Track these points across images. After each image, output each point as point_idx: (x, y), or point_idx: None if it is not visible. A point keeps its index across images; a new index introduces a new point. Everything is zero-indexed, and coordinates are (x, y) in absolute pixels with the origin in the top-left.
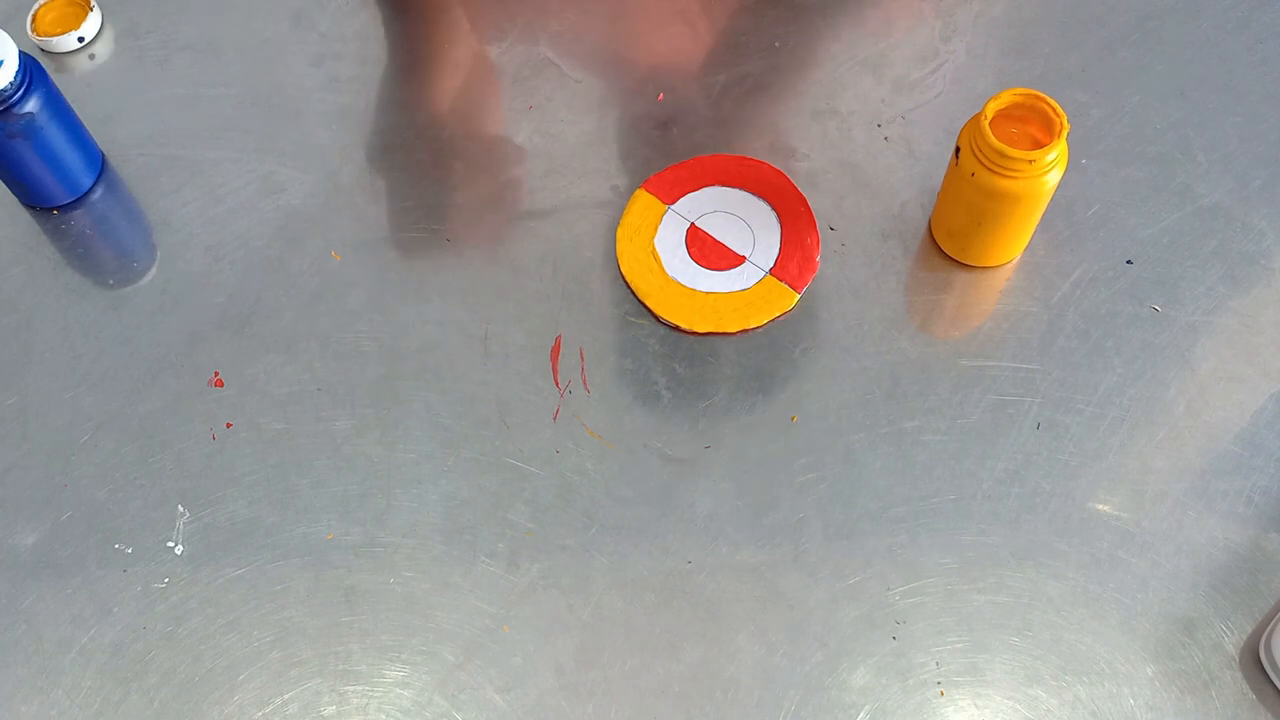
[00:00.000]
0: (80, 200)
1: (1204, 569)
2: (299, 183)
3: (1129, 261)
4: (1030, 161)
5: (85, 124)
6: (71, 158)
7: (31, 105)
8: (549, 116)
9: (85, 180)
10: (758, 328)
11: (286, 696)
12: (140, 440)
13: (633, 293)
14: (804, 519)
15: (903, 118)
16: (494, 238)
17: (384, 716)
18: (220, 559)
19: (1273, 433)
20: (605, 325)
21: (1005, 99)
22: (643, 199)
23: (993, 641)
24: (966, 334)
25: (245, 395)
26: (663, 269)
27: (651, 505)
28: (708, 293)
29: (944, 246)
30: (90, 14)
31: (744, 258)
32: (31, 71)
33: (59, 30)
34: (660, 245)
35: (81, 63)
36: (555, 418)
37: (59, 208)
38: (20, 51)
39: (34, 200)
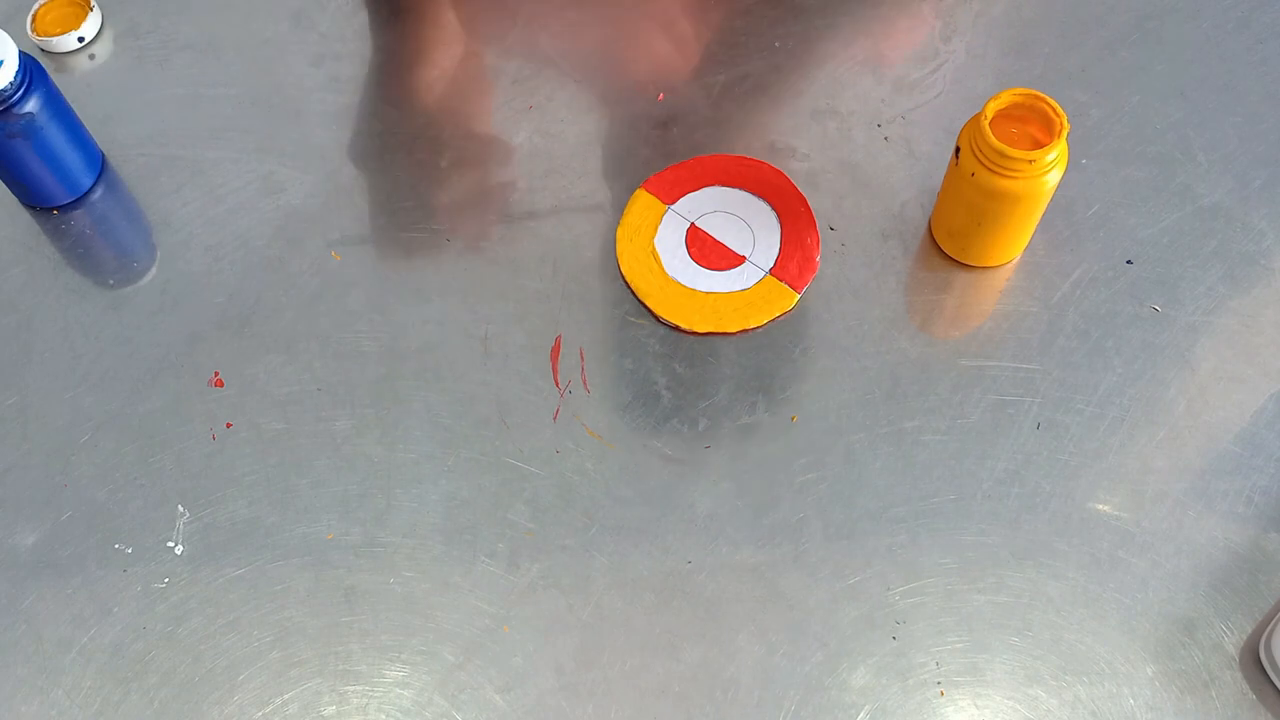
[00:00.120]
0: (80, 200)
1: (1204, 569)
2: (299, 183)
3: (1129, 261)
4: (1030, 161)
5: (85, 124)
6: (71, 158)
7: (31, 105)
8: (549, 116)
9: (85, 180)
10: (758, 328)
11: (286, 696)
12: (140, 440)
13: (633, 293)
14: (804, 519)
15: (903, 118)
16: (494, 238)
17: (384, 716)
18: (220, 559)
19: (1273, 433)
20: (605, 325)
21: (1005, 99)
22: (643, 199)
23: (993, 641)
24: (966, 334)
25: (245, 395)
26: (663, 269)
27: (651, 505)
28: (708, 293)
29: (944, 246)
30: (90, 14)
31: (744, 258)
32: (31, 71)
33: (59, 30)
34: (660, 245)
35: (81, 63)
36: (555, 418)
37: (59, 208)
38: (20, 51)
39: (34, 200)
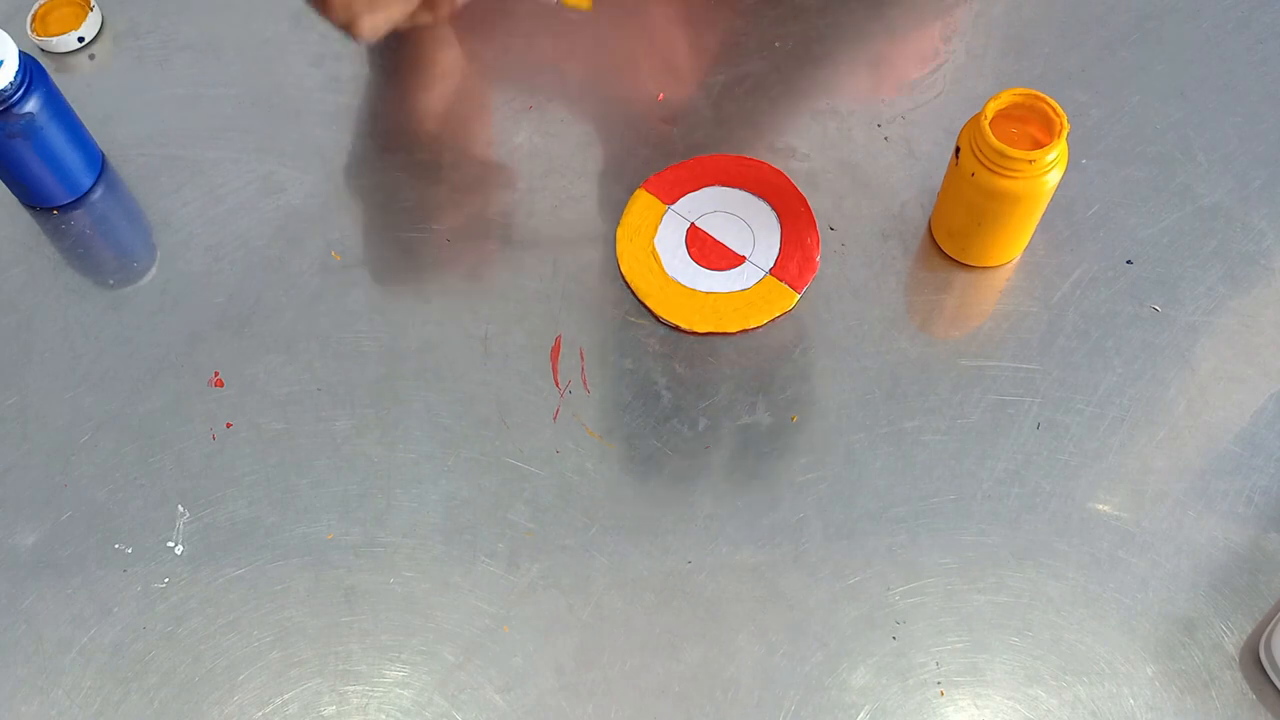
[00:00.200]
0: (80, 200)
1: (1204, 569)
2: (299, 183)
3: (1129, 261)
4: (1030, 161)
5: (85, 124)
6: (71, 158)
7: (31, 105)
8: (549, 116)
9: (85, 180)
10: (758, 328)
11: (286, 696)
12: (140, 440)
13: (633, 293)
14: (804, 519)
15: (903, 118)
16: (494, 238)
17: (384, 716)
18: (220, 559)
19: (1273, 433)
20: (605, 325)
21: (1005, 99)
22: (643, 199)
23: (993, 641)
24: (966, 334)
25: (245, 395)
26: (663, 269)
27: (651, 505)
28: (708, 293)
29: (944, 246)
30: (90, 14)
31: (744, 258)
32: (31, 71)
33: (59, 30)
34: (660, 245)
35: (81, 63)
36: (555, 418)
37: (59, 208)
38: (20, 51)
39: (34, 200)
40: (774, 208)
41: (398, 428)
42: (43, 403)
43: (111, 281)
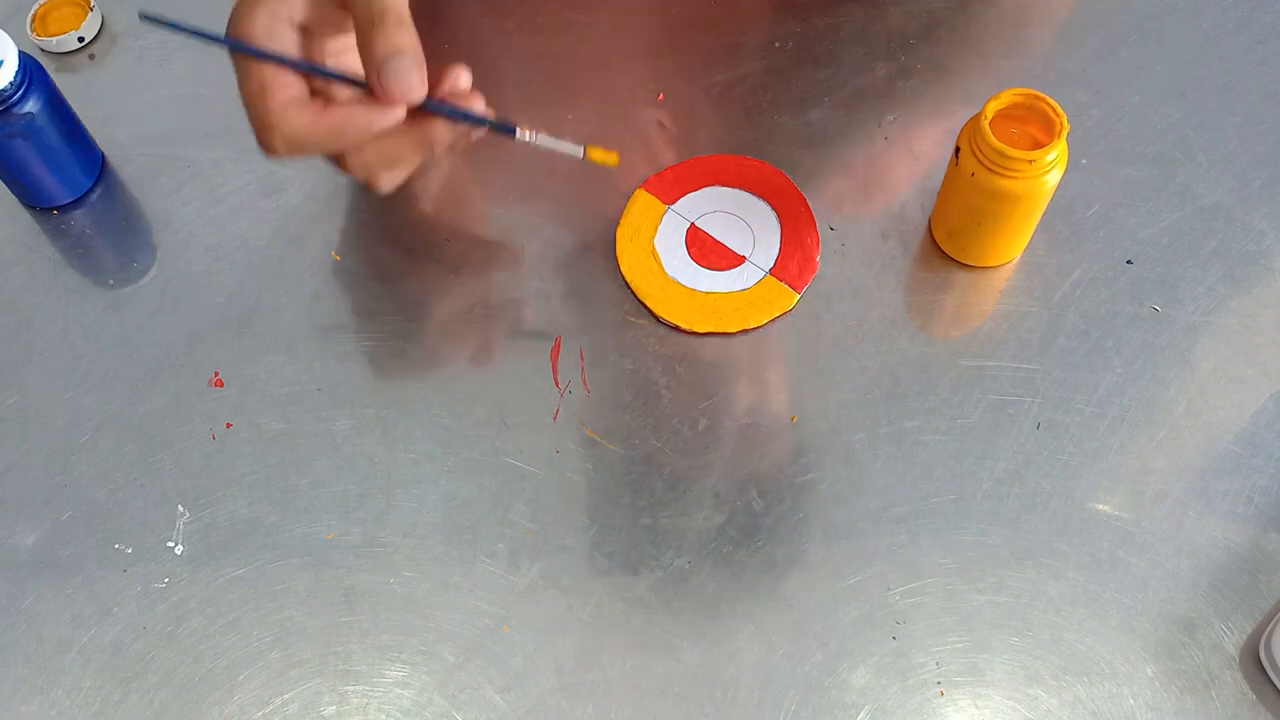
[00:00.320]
0: (80, 200)
1: (1204, 569)
2: (299, 183)
3: (1129, 261)
4: (1030, 161)
5: (85, 124)
6: (71, 158)
7: (31, 105)
8: (549, 117)
9: (85, 180)
10: (758, 328)
11: (286, 696)
12: (140, 440)
13: (633, 293)
14: (804, 519)
15: (903, 118)
16: (494, 238)
17: (384, 716)
18: (220, 559)
19: (1273, 433)
20: (605, 325)
21: (1005, 99)
22: (643, 199)
23: (993, 641)
24: (966, 334)
25: (245, 395)
26: (663, 269)
27: (651, 505)
28: (708, 293)
29: (944, 246)
30: (90, 14)
31: (744, 258)
32: (31, 71)
33: (59, 30)
34: (660, 245)
35: (81, 63)
36: (555, 418)
37: (59, 208)
38: (20, 51)
39: (34, 200)
40: (774, 208)
41: (398, 428)
42: (43, 403)
43: (111, 281)
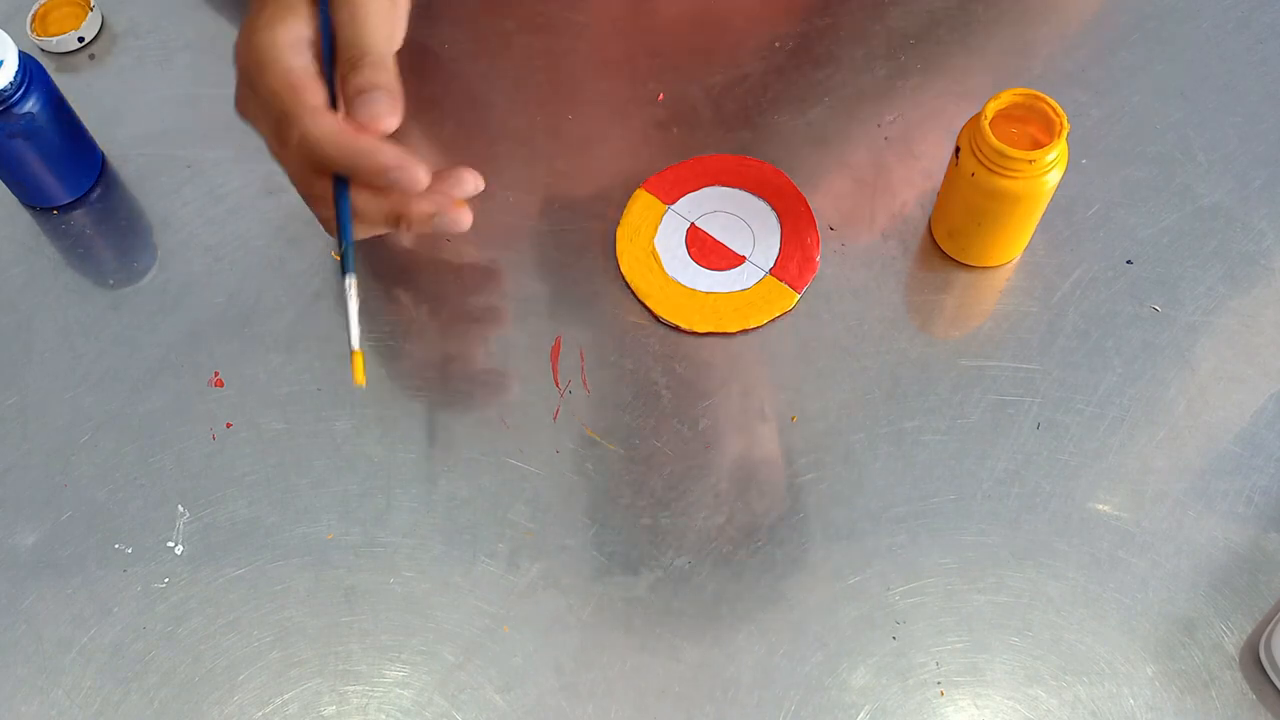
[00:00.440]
0: (80, 200)
1: (1204, 569)
2: None
3: (1129, 261)
4: (1030, 161)
5: (85, 124)
6: (71, 158)
7: (31, 105)
8: (549, 116)
9: (85, 180)
10: (758, 328)
11: (286, 696)
12: (140, 440)
13: (633, 293)
14: (804, 519)
15: (903, 118)
16: (494, 238)
17: (384, 716)
18: (220, 559)
19: (1273, 433)
20: (605, 325)
21: (1005, 99)
22: (643, 199)
23: (993, 641)
24: (966, 334)
25: (245, 395)
26: (663, 269)
27: (651, 505)
28: (708, 293)
29: (944, 246)
30: (90, 14)
31: (744, 258)
32: (31, 71)
33: (59, 30)
34: (660, 245)
35: (81, 63)
36: (555, 418)
37: (59, 208)
38: (20, 51)
39: (34, 200)
40: (774, 208)
41: (398, 428)
42: (43, 403)
43: (111, 281)
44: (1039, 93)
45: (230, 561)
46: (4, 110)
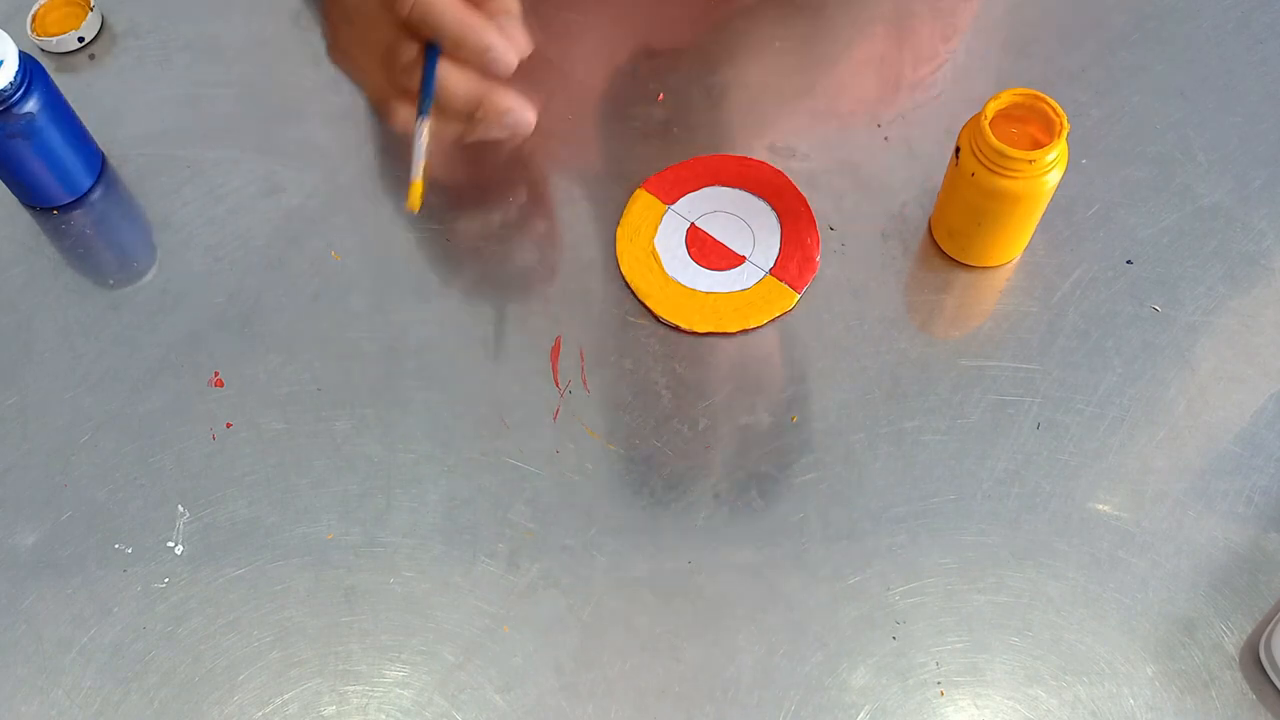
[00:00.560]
0: (80, 200)
1: (1204, 569)
2: (299, 183)
3: (1129, 261)
4: (1030, 161)
5: (85, 124)
6: (71, 158)
7: (31, 105)
8: (549, 116)
9: (85, 180)
10: (758, 328)
11: (286, 696)
12: (140, 440)
13: (633, 293)
14: (804, 519)
15: (903, 118)
16: (494, 238)
17: (384, 716)
18: (220, 559)
19: (1273, 433)
20: (605, 325)
21: (1005, 99)
22: (643, 199)
23: (993, 641)
24: (966, 334)
25: (245, 395)
26: (663, 269)
27: (651, 505)
28: (708, 293)
29: (944, 246)
30: (90, 14)
31: (744, 258)
32: (31, 71)
33: (59, 30)
34: (660, 245)
35: (81, 63)
36: (555, 418)
37: (59, 208)
38: (20, 51)
39: (34, 200)
40: (774, 208)
41: (398, 428)
42: (43, 403)
43: (111, 281)
44: (1039, 93)
45: (230, 561)
46: (4, 110)
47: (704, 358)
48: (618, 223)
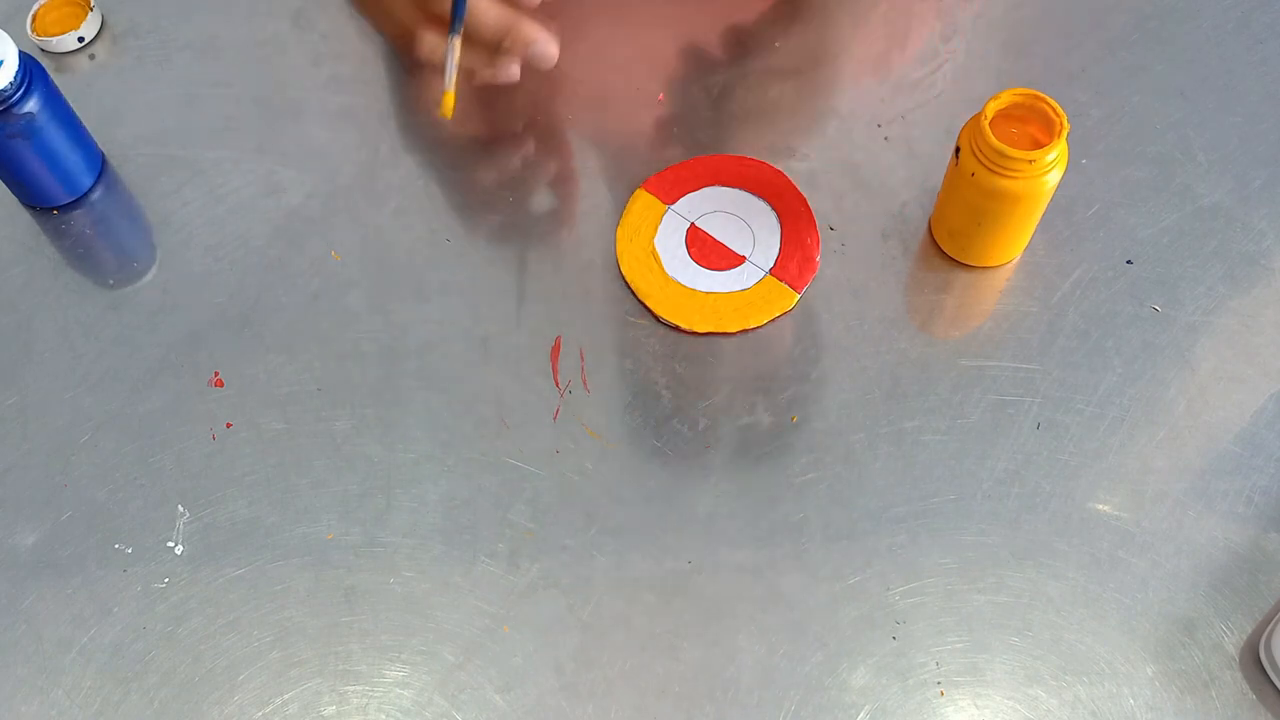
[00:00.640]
0: (80, 200)
1: (1204, 569)
2: (299, 183)
3: (1129, 261)
4: (1030, 161)
5: (85, 124)
6: (71, 158)
7: (31, 105)
8: (549, 116)
9: (85, 180)
10: (758, 328)
11: (286, 696)
12: (140, 440)
13: (633, 293)
14: (804, 519)
15: (903, 118)
16: (494, 238)
17: (384, 716)
18: (220, 559)
19: (1273, 433)
20: (605, 325)
21: (1005, 99)
22: (643, 199)
23: (993, 641)
24: (966, 334)
25: (245, 395)
26: (663, 269)
27: (651, 505)
28: (708, 293)
29: (944, 246)
30: (90, 14)
31: (744, 258)
32: (31, 71)
33: (59, 30)
34: (660, 245)
35: (81, 63)
36: (555, 418)
37: (59, 208)
38: (20, 51)
39: (34, 200)
40: (774, 208)
41: (398, 428)
42: (43, 403)
43: (111, 281)
44: (1039, 93)
45: (230, 561)
46: (4, 110)
47: (704, 358)
48: (618, 223)
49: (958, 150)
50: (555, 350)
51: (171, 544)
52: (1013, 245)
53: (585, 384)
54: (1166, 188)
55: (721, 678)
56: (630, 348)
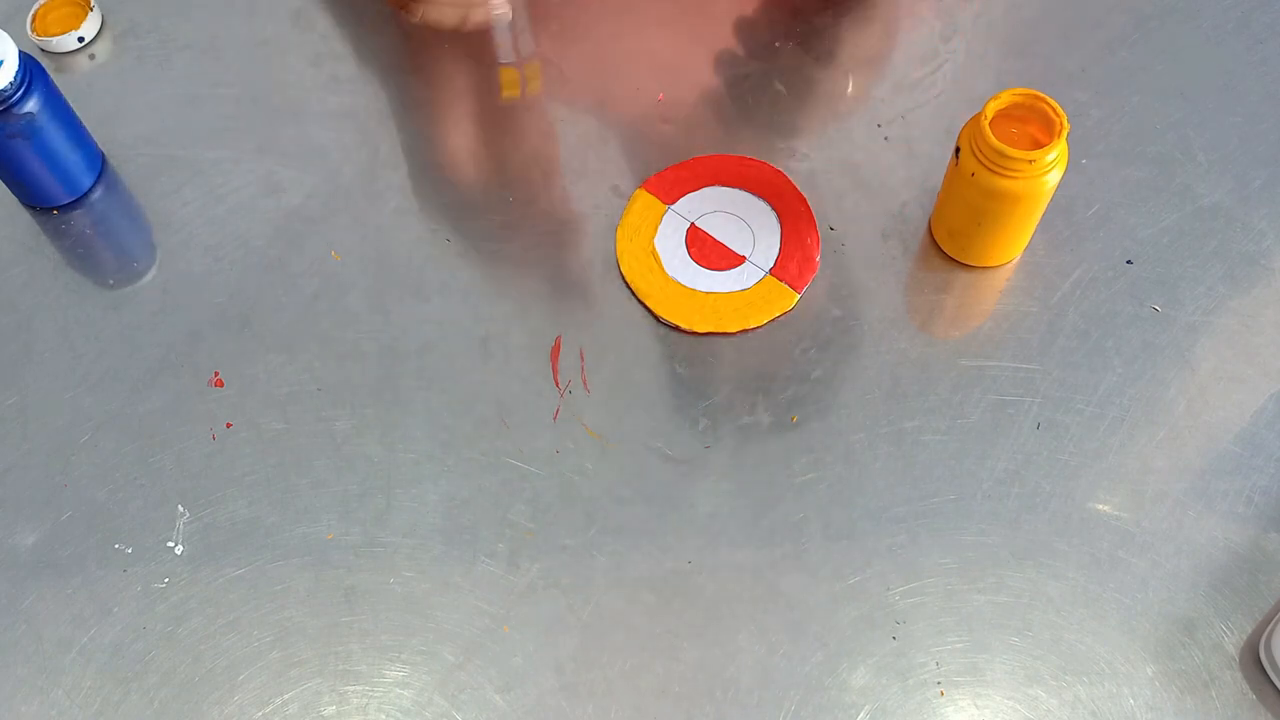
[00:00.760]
0: (80, 200)
1: (1204, 569)
2: (299, 183)
3: (1129, 261)
4: (1030, 161)
5: (85, 124)
6: (71, 158)
7: (31, 105)
8: (549, 116)
9: (85, 180)
10: (758, 328)
11: (286, 696)
12: (140, 440)
13: (633, 293)
14: (804, 519)
15: (903, 118)
16: (494, 238)
17: (384, 716)
18: (220, 559)
19: (1273, 433)
20: (605, 325)
21: (1005, 99)
22: (643, 199)
23: (993, 641)
24: (966, 334)
25: (245, 395)
26: (663, 269)
27: (651, 505)
28: (708, 293)
29: (944, 246)
30: (90, 14)
31: (744, 258)
32: (31, 71)
33: (59, 30)
34: (660, 245)
35: (81, 63)
36: (555, 418)
37: (59, 208)
38: (20, 51)
39: (34, 200)
40: (774, 208)
41: (398, 428)
42: (43, 403)
43: (111, 281)
44: (1039, 93)
45: (230, 561)
46: (4, 110)
47: (704, 358)
48: (618, 223)
49: (958, 150)
50: (555, 350)
51: (171, 544)
52: (1013, 245)
53: (585, 384)
54: (1166, 188)
55: (721, 678)
56: (630, 348)
